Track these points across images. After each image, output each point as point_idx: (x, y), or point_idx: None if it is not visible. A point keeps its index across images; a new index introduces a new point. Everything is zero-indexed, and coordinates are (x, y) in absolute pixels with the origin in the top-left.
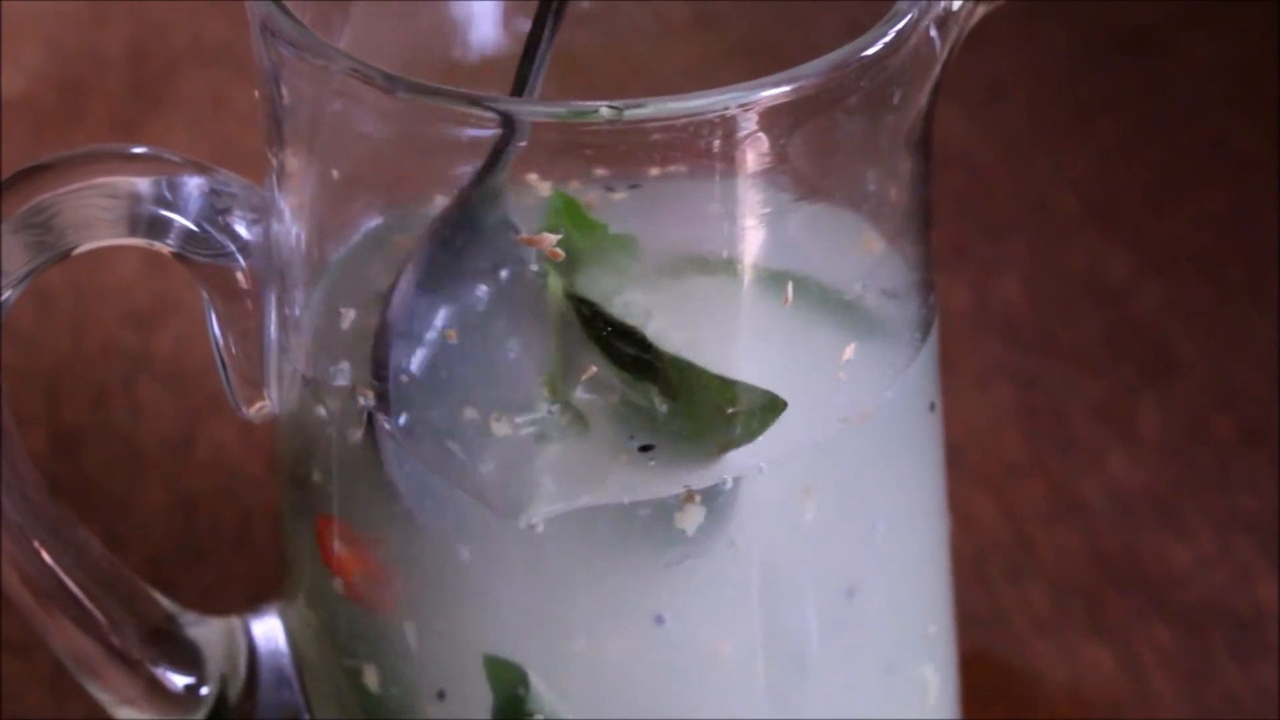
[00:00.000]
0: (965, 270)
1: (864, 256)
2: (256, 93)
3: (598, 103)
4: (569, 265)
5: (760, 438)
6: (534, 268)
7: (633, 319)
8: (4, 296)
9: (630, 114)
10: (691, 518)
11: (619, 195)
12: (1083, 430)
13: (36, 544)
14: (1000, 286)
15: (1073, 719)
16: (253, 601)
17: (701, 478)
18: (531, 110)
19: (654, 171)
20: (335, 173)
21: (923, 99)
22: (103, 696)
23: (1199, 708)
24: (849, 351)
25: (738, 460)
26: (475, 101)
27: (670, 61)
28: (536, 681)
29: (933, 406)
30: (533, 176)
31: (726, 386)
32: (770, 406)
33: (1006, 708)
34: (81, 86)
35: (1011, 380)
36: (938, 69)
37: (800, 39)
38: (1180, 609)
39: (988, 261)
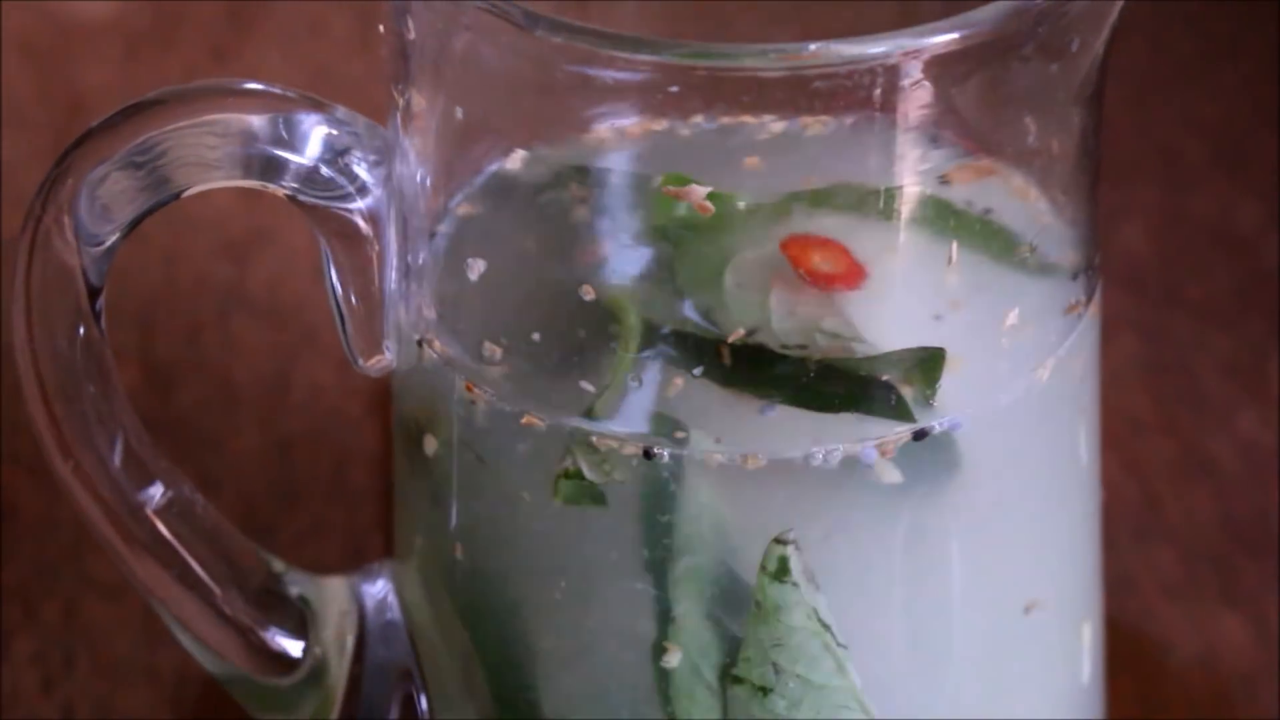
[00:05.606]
0: None
1: (1032, 216)
2: (381, 27)
3: (755, 46)
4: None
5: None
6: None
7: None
8: (112, 241)
9: (791, 60)
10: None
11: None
12: (1212, 386)
13: (142, 500)
14: (1125, 235)
15: (1205, 691)
16: (350, 549)
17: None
18: (685, 53)
19: (810, 120)
20: (465, 113)
21: (1100, 46)
22: (203, 656)
23: None
24: (1013, 316)
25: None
26: (623, 43)
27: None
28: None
29: (1093, 375)
30: (678, 122)
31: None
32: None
33: (1135, 678)
34: (175, 11)
35: (1137, 332)
36: (1115, 13)
37: None
38: None
39: (1111, 209)
